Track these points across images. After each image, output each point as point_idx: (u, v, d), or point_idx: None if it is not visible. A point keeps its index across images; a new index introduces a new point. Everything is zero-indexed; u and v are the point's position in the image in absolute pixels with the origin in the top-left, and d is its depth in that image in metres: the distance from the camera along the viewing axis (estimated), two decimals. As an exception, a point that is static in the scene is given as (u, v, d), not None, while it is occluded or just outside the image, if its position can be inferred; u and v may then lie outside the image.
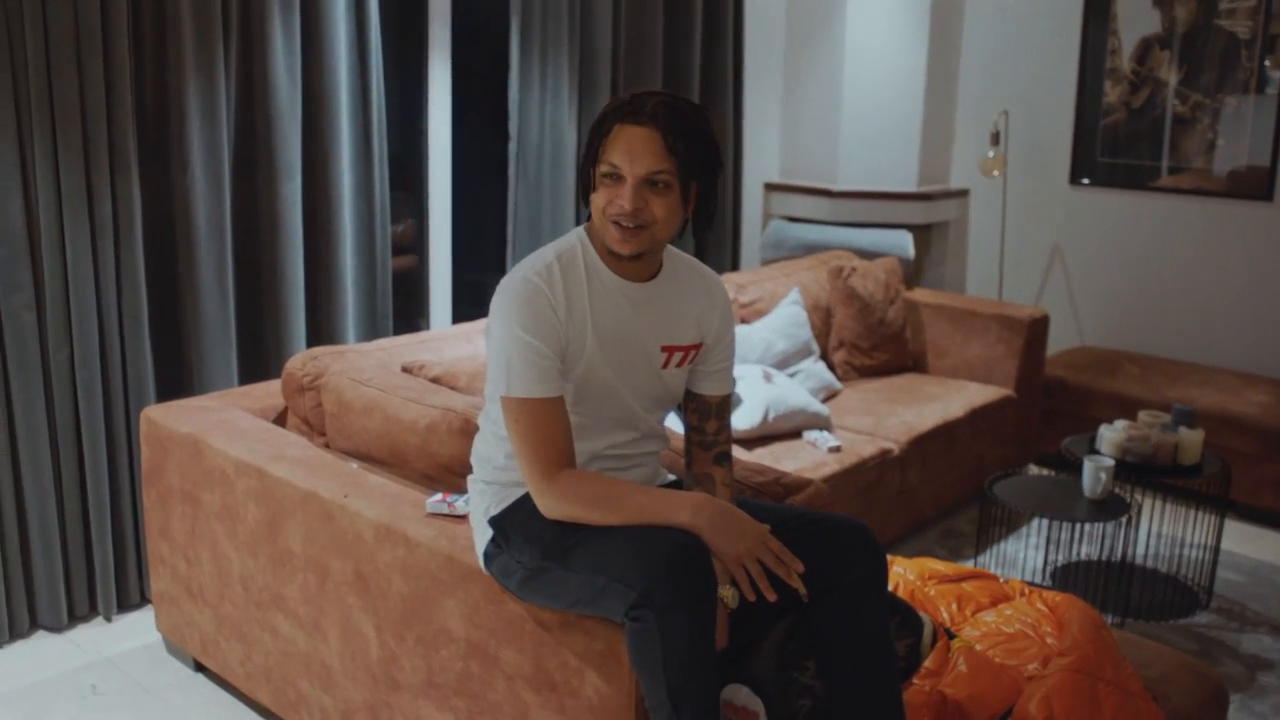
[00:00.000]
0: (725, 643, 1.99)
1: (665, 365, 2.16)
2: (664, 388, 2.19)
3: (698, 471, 2.25)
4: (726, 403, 2.27)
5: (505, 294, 2.05)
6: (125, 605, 3.45)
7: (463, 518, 2.35)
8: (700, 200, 2.07)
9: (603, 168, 2.00)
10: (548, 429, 2.01)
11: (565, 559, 1.99)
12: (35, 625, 3.32)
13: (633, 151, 1.97)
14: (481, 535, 2.17)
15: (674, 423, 3.62)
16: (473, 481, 2.26)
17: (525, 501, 2.09)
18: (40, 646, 3.24)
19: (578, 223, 3.95)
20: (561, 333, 2.03)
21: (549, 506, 2.02)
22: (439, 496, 2.41)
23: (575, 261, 2.09)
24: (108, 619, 3.39)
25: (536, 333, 2.00)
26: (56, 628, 3.32)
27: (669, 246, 2.16)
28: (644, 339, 2.13)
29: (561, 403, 2.03)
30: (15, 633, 3.25)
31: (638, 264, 2.09)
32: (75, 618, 3.37)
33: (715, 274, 2.27)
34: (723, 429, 2.26)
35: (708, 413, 2.25)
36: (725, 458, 2.26)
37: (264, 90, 3.48)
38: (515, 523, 2.10)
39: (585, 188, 2.08)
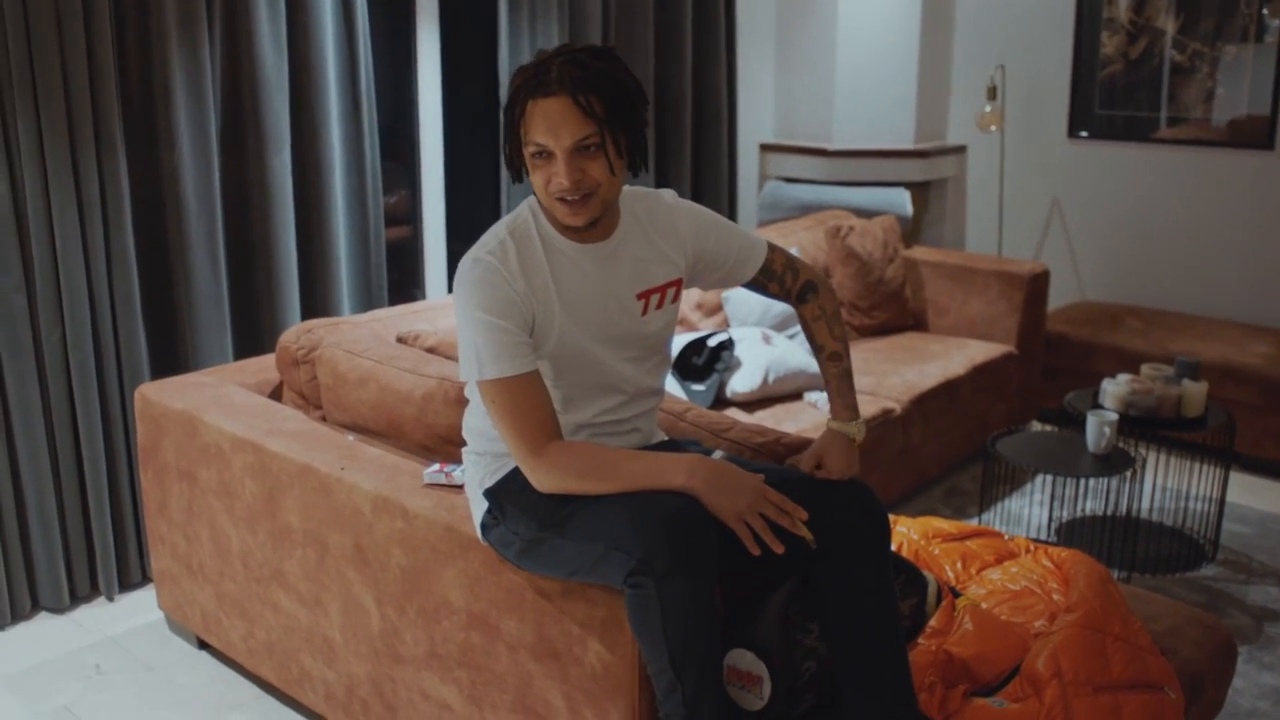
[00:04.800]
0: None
1: (645, 312, 2.13)
2: (650, 334, 2.16)
3: (800, 320, 2.34)
4: (771, 263, 2.28)
5: (461, 278, 2.01)
6: (127, 584, 3.44)
7: (460, 488, 2.33)
8: (631, 146, 1.99)
9: (529, 149, 1.95)
10: (527, 405, 1.97)
11: (562, 528, 1.97)
12: (37, 607, 3.31)
13: (552, 126, 1.91)
14: (478, 507, 2.15)
15: (667, 385, 3.60)
16: (466, 453, 2.23)
17: (519, 472, 2.06)
18: (43, 628, 3.24)
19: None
20: (524, 307, 1.99)
21: (541, 482, 1.99)
22: (436, 467, 2.39)
23: (529, 235, 2.05)
24: (109, 598, 3.38)
25: (498, 312, 1.96)
26: (58, 609, 3.31)
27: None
28: (616, 294, 2.09)
29: (537, 376, 2.00)
30: (17, 615, 3.24)
31: (595, 227, 2.05)
32: (77, 598, 3.36)
33: (667, 193, 2.21)
34: (786, 278, 2.30)
35: (765, 283, 2.29)
36: (806, 292, 2.31)
37: (249, 62, 3.43)
38: (510, 494, 2.08)
39: (513, 168, 2.02)
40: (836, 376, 2.26)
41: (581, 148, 1.92)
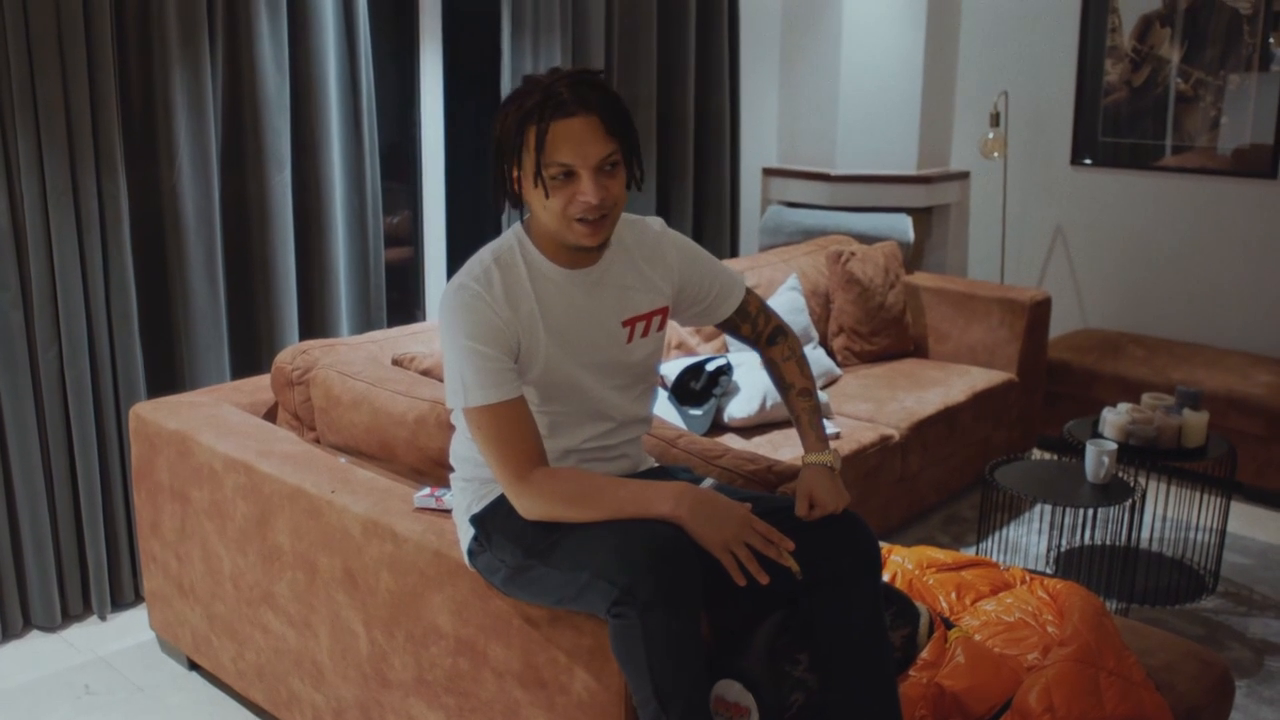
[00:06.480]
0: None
1: (630, 339, 2.13)
2: (636, 362, 2.15)
3: (765, 361, 2.34)
4: (746, 305, 2.30)
5: (445, 306, 2.00)
6: (119, 603, 3.42)
7: (449, 512, 2.32)
8: (629, 164, 2.00)
9: (550, 170, 1.92)
10: (512, 432, 1.96)
11: (547, 556, 1.95)
12: (29, 625, 3.30)
13: (578, 144, 1.90)
14: (465, 533, 2.14)
15: (664, 409, 3.58)
16: (454, 479, 2.22)
17: (505, 499, 2.05)
18: (34, 646, 3.22)
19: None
20: (508, 333, 1.98)
21: (526, 508, 1.98)
22: (427, 491, 2.37)
23: (515, 261, 2.03)
24: (102, 617, 3.36)
25: (483, 339, 1.95)
26: (50, 627, 3.29)
27: None
28: (602, 321, 2.09)
29: (522, 402, 1.99)
30: (9, 632, 3.23)
31: (586, 252, 2.05)
32: (69, 616, 3.35)
33: (655, 221, 2.22)
34: (759, 320, 2.31)
35: (739, 323, 2.30)
36: (775, 336, 2.33)
37: (251, 81, 3.44)
38: (496, 521, 2.06)
39: (507, 196, 2.00)
40: (807, 411, 2.25)
41: (605, 165, 1.93)
